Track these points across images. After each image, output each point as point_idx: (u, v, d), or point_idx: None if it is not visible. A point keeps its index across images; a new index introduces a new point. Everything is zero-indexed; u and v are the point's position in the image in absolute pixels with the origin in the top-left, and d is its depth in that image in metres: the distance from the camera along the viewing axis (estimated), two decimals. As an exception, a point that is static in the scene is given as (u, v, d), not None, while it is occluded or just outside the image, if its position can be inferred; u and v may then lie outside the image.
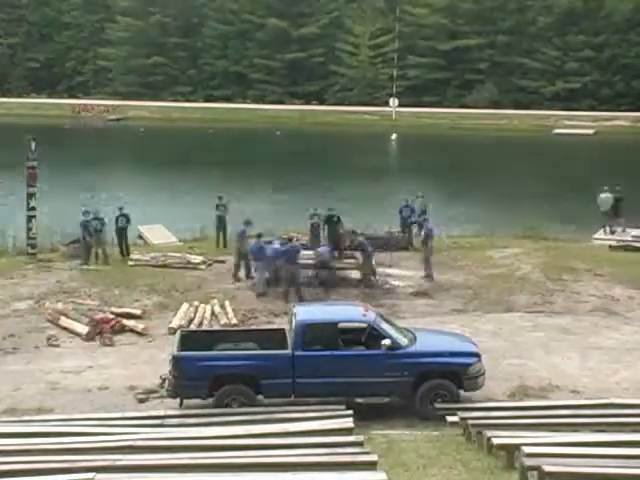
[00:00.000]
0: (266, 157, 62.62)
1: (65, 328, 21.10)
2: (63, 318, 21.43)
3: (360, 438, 12.09)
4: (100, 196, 42.47)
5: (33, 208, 27.69)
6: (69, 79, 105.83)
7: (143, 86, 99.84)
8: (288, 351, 15.92)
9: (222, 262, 26.68)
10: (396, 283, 24.63)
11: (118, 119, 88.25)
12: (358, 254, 25.09)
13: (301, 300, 22.10)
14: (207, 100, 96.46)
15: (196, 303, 22.46)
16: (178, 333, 17.18)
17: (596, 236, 31.87)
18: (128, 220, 28.14)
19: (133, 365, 18.72)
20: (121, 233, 28.03)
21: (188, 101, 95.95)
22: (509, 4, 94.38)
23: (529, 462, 10.81)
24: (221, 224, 29.22)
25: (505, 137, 75.82)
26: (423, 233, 26.28)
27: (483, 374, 16.26)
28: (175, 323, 20.86)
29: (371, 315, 16.68)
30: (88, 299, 23.12)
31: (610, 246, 29.45)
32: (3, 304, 23.15)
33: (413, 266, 26.34)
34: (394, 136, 75.06)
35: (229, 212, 29.48)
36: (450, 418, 14.50)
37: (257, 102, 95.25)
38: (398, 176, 55.03)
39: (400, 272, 25.76)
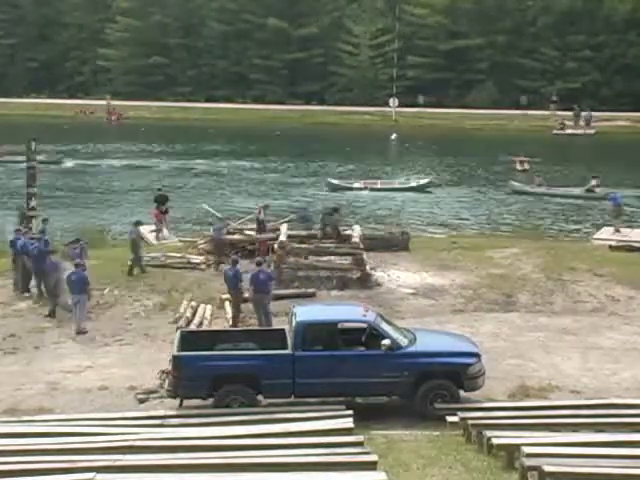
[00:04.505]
0: (266, 157, 62.64)
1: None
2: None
3: (360, 438, 12.10)
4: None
5: (33, 208, 27.68)
6: (69, 79, 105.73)
7: (143, 86, 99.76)
8: (288, 351, 15.92)
9: (222, 263, 26.66)
10: (392, 285, 24.60)
11: (118, 119, 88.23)
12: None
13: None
14: (207, 100, 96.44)
15: (194, 303, 22.41)
16: (178, 333, 17.17)
17: (596, 236, 31.89)
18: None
19: (133, 365, 18.71)
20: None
21: (188, 101, 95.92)
22: (509, 4, 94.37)
23: (529, 462, 10.83)
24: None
25: (505, 137, 75.78)
26: None
27: (483, 374, 16.26)
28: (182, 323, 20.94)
29: (371, 315, 16.67)
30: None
31: (610, 246, 29.45)
32: (3, 304, 23.16)
33: (413, 267, 26.36)
34: (394, 136, 75.04)
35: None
36: (450, 418, 14.49)
37: (257, 102, 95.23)
38: (398, 176, 54.95)
39: (400, 273, 25.78)
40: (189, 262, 26.63)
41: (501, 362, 18.19)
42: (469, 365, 16.05)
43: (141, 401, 16.70)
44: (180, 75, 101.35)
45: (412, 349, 16.10)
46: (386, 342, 15.83)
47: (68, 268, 22.34)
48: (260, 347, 16.53)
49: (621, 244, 29.65)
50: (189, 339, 16.68)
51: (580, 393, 16.79)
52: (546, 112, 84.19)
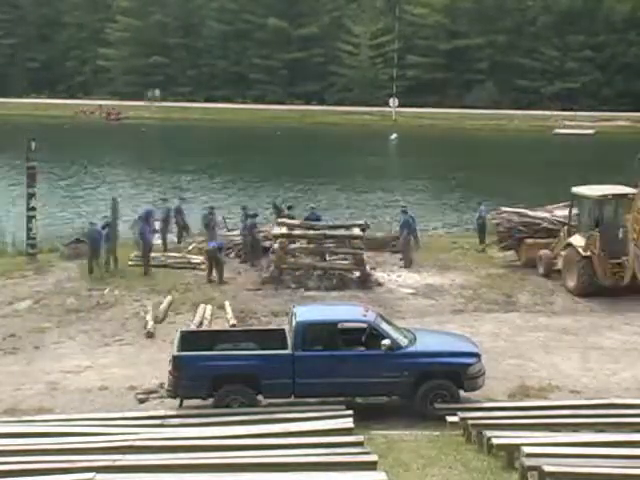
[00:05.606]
0: (266, 156, 62.68)
1: None
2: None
3: (360, 438, 12.08)
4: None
5: (33, 208, 27.69)
6: (69, 79, 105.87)
7: (143, 86, 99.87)
8: (288, 351, 15.92)
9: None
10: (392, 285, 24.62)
11: (118, 119, 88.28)
12: None
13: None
14: (207, 100, 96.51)
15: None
16: (178, 333, 17.15)
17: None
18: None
19: (133, 365, 18.71)
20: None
21: (188, 101, 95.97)
22: (509, 4, 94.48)
23: (529, 462, 10.82)
24: None
25: (505, 137, 75.82)
26: None
27: (483, 374, 16.24)
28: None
29: (371, 315, 16.66)
30: None
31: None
32: (3, 304, 23.15)
33: (413, 267, 26.36)
34: (394, 136, 75.07)
35: None
36: (450, 418, 14.48)
37: (257, 102, 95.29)
38: (398, 176, 55.01)
39: (400, 272, 25.80)
40: (189, 262, 26.63)
41: (501, 362, 18.19)
42: (469, 365, 16.04)
43: (141, 401, 16.70)
44: (180, 75, 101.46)
45: (412, 349, 16.09)
46: (386, 342, 15.81)
47: None
48: (260, 347, 16.52)
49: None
50: (189, 339, 16.68)
51: (580, 393, 16.79)
52: (546, 112, 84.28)
